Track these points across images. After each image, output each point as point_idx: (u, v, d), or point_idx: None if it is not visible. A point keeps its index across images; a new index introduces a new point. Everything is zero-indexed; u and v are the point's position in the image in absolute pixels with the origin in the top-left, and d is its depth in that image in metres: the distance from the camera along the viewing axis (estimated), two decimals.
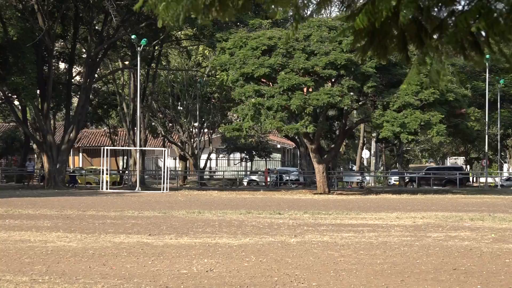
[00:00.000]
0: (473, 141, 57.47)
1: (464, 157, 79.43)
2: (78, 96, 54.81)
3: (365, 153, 74.05)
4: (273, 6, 5.34)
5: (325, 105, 44.11)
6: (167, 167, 50.95)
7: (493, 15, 4.82)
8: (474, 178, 71.78)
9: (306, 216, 24.85)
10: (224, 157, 77.82)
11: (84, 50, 56.70)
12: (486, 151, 60.72)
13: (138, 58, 49.53)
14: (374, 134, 68.12)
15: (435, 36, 5.33)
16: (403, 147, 70.13)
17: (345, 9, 5.73)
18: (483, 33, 5.13)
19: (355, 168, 71.38)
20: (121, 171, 63.08)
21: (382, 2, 4.69)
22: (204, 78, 62.36)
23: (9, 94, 51.79)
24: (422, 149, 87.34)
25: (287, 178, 61.74)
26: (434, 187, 57.87)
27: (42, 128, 50.96)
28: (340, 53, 43.87)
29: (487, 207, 31.21)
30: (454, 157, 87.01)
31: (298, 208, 29.81)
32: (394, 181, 66.11)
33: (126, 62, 58.22)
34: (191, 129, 63.28)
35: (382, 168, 77.50)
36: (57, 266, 12.50)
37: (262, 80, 45.65)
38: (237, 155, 75.54)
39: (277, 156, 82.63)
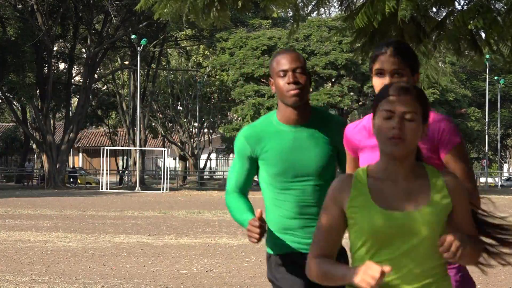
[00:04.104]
0: (473, 141, 57.48)
1: None
2: (77, 96, 54.84)
3: None
4: (271, 6, 5.34)
5: (325, 105, 44.13)
6: (167, 167, 50.97)
7: (491, 15, 4.83)
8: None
9: None
10: (224, 157, 77.83)
11: (84, 50, 56.72)
12: (486, 151, 60.75)
13: (138, 58, 49.54)
14: None
15: (433, 37, 5.33)
16: None
17: (344, 9, 5.74)
18: (482, 33, 5.14)
19: None
20: (121, 171, 63.12)
21: (381, 1, 4.69)
22: (204, 78, 62.38)
23: (7, 94, 51.78)
24: None
25: None
26: None
27: (41, 128, 50.96)
28: (340, 53, 43.91)
29: (487, 207, 31.17)
30: None
31: None
32: None
33: (126, 62, 58.24)
34: (191, 129, 63.31)
35: None
36: (57, 266, 12.50)
37: (262, 80, 45.68)
38: None
39: None
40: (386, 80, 3.51)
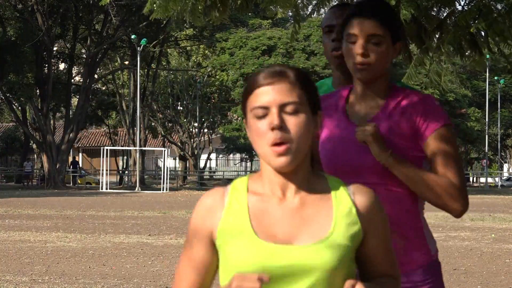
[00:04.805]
0: (474, 141, 57.48)
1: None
2: (77, 96, 54.84)
3: None
4: (271, 7, 5.34)
5: None
6: (167, 167, 50.96)
7: (492, 15, 4.83)
8: (474, 178, 71.76)
9: None
10: (224, 157, 77.85)
11: (84, 50, 56.73)
12: (486, 151, 60.75)
13: (138, 58, 49.54)
14: None
15: (434, 37, 5.34)
16: None
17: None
18: (483, 33, 5.14)
19: None
20: (121, 171, 63.12)
21: None
22: (204, 78, 62.41)
23: (7, 94, 51.77)
24: None
25: None
26: None
27: (41, 128, 50.95)
28: None
29: (487, 207, 31.20)
30: None
31: None
32: None
33: (126, 62, 58.24)
34: (191, 129, 63.32)
35: None
36: (57, 266, 12.50)
37: None
38: (237, 155, 75.53)
39: None
40: (357, 49, 2.73)
